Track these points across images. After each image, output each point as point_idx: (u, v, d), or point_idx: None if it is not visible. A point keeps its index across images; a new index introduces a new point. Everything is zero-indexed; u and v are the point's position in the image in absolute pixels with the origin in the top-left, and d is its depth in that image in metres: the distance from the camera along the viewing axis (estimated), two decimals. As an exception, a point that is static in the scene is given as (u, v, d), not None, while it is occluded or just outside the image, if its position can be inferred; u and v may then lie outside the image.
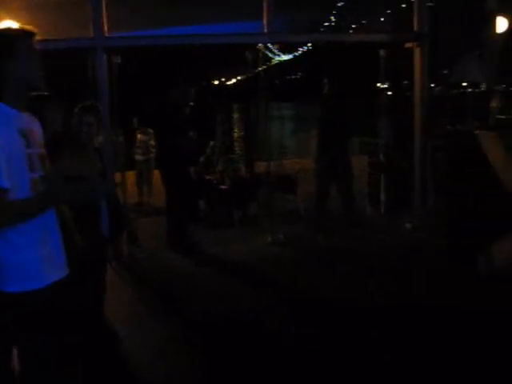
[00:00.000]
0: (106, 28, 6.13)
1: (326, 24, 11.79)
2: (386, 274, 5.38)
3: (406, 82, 8.36)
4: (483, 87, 6.64)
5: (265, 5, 6.69)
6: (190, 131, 6.56)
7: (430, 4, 7.33)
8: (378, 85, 8.02)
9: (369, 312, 4.56)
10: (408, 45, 7.07)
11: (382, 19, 10.66)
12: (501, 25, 6.94)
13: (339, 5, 11.50)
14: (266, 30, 6.78)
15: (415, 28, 6.95)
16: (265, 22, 6.77)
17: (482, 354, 3.70)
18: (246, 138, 9.16)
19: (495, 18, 6.97)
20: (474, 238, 5.09)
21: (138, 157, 9.21)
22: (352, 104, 7.52)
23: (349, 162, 7.06)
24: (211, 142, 8.88)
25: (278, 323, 4.48)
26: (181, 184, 6.48)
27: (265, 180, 7.61)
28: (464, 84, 5.57)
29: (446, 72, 8.27)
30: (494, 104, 5.33)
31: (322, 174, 7.12)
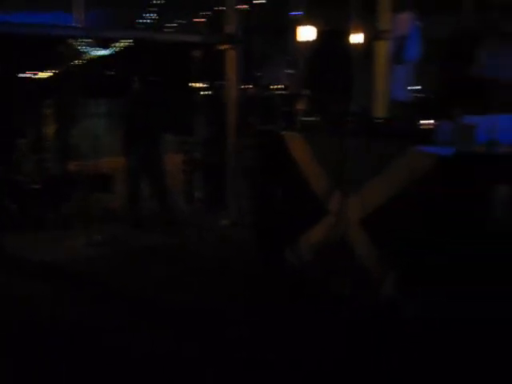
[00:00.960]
0: None
1: (143, 21, 11.64)
2: (206, 271, 5.51)
3: (221, 83, 8.59)
4: (292, 91, 7.09)
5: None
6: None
7: (244, 8, 7.62)
8: (194, 84, 8.17)
9: (191, 309, 4.63)
10: (221, 47, 7.30)
11: (199, 20, 10.83)
12: (307, 33, 7.47)
13: (156, 3, 11.42)
14: (79, 24, 6.56)
15: (227, 31, 7.19)
16: (79, 15, 6.55)
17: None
18: (59, 135, 8.71)
19: (302, 26, 7.49)
20: (282, 234, 5.44)
21: None
22: (166, 102, 7.56)
23: (160, 160, 7.12)
24: (21, 140, 8.34)
25: (91, 326, 4.36)
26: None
27: (79, 179, 7.35)
28: (274, 87, 5.88)
29: (258, 74, 8.65)
30: (299, 107, 5.69)
31: (132, 173, 7.11)
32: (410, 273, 4.09)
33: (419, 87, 6.59)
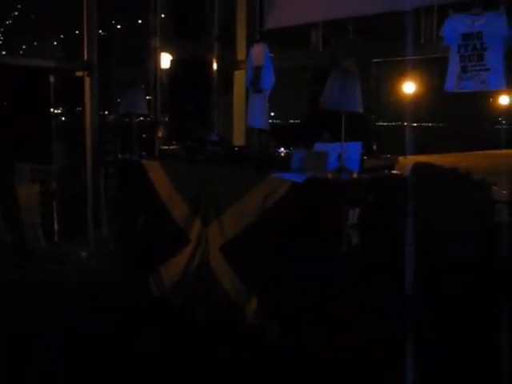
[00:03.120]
0: None
1: (-4, 43, 11.06)
2: (65, 304, 5.27)
3: (78, 109, 8.35)
4: (150, 118, 7.07)
5: None
6: None
7: (101, 34, 7.50)
8: (51, 110, 7.86)
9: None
10: (79, 73, 7.12)
11: (55, 44, 10.49)
12: (164, 60, 7.50)
13: (7, 23, 10.93)
14: None
15: (85, 57, 7.03)
16: None
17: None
18: None
19: (159, 54, 7.52)
20: (144, 263, 5.35)
21: None
22: (19, 128, 7.19)
23: (13, 190, 6.69)
24: None
25: None
26: None
27: None
28: (133, 114, 5.81)
29: (115, 100, 8.52)
30: (159, 134, 5.67)
31: None
32: (271, 299, 4.19)
33: (273, 115, 6.86)
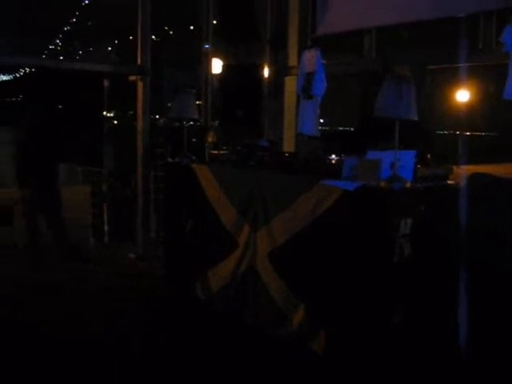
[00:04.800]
0: None
1: (51, 48, 11.40)
2: (110, 306, 5.32)
3: (130, 113, 8.50)
4: (200, 123, 7.11)
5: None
6: None
7: (153, 39, 7.60)
8: (103, 113, 8.02)
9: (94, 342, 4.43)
10: (132, 77, 7.22)
11: (109, 49, 10.73)
12: (215, 66, 7.54)
13: (65, 30, 11.23)
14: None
15: (138, 62, 7.13)
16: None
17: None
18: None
19: (211, 59, 7.56)
20: (191, 267, 5.37)
21: None
22: (71, 130, 7.32)
23: (55, 192, 6.72)
24: None
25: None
26: None
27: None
28: (183, 118, 5.86)
29: (167, 104, 8.62)
30: (209, 139, 5.69)
31: (30, 204, 6.68)
32: (319, 308, 4.13)
33: (322, 121, 6.78)
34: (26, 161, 6.62)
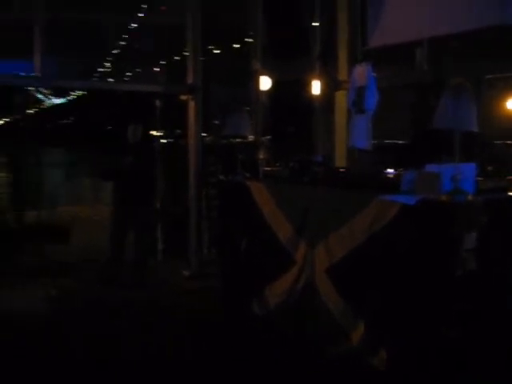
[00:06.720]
0: None
1: (101, 70, 11.69)
2: (164, 325, 5.35)
3: (179, 131, 8.60)
4: (250, 139, 7.13)
5: (36, 47, 6.42)
6: None
7: (203, 58, 7.70)
8: (154, 133, 8.14)
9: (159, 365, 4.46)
10: (183, 97, 7.32)
11: (158, 69, 10.92)
12: (264, 83, 7.58)
13: (114, 52, 11.52)
14: (37, 73, 6.49)
15: (188, 81, 7.23)
16: (36, 64, 6.49)
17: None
18: (13, 184, 8.52)
19: (260, 76, 7.61)
20: (247, 284, 5.35)
21: None
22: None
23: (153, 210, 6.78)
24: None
25: None
26: None
27: (35, 229, 7.14)
28: (233, 136, 5.90)
29: (217, 123, 8.70)
30: (261, 156, 5.71)
31: (118, 224, 6.72)
32: (380, 325, 4.05)
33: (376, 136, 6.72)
34: (125, 184, 6.60)
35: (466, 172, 3.89)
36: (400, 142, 7.80)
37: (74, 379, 4.25)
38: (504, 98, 6.50)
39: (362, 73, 6.19)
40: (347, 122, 6.53)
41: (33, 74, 6.64)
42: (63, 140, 10.00)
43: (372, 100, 6.12)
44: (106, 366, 4.49)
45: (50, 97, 8.01)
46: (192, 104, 7.12)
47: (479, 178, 4.05)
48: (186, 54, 7.38)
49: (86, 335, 5.09)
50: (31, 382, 4.24)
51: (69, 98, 10.29)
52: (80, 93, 10.84)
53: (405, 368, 3.87)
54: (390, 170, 4.55)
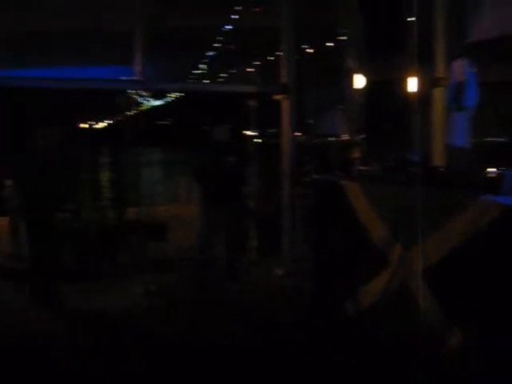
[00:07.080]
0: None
1: (196, 72, 11.98)
2: (257, 323, 5.42)
3: (273, 131, 8.66)
4: (344, 138, 7.06)
5: (137, 51, 6.69)
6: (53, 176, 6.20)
7: (296, 58, 7.72)
8: (247, 133, 8.25)
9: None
10: (276, 96, 7.37)
11: (251, 70, 11.06)
12: (359, 81, 7.49)
13: (209, 54, 11.77)
14: (138, 77, 6.76)
15: (282, 81, 7.27)
16: (137, 68, 6.76)
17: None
18: (115, 184, 8.92)
19: (354, 74, 7.52)
20: (341, 284, 5.32)
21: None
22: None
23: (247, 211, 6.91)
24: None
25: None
26: (45, 233, 6.13)
27: (135, 227, 7.44)
28: (327, 135, 5.87)
29: (310, 122, 8.69)
30: (355, 155, 5.65)
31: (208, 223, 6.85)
32: (477, 331, 3.90)
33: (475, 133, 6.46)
34: (216, 185, 6.71)
35: None
36: (498, 139, 7.46)
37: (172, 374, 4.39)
38: None
39: (461, 68, 5.98)
40: (445, 119, 6.33)
41: (134, 78, 6.92)
42: (161, 140, 10.35)
43: (472, 97, 5.91)
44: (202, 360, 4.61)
45: (149, 99, 8.30)
46: (285, 103, 7.16)
47: None
48: (280, 53, 7.43)
49: (176, 333, 5.25)
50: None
51: (166, 100, 10.63)
52: (176, 95, 11.17)
53: (504, 371, 3.70)
54: (492, 169, 4.36)
